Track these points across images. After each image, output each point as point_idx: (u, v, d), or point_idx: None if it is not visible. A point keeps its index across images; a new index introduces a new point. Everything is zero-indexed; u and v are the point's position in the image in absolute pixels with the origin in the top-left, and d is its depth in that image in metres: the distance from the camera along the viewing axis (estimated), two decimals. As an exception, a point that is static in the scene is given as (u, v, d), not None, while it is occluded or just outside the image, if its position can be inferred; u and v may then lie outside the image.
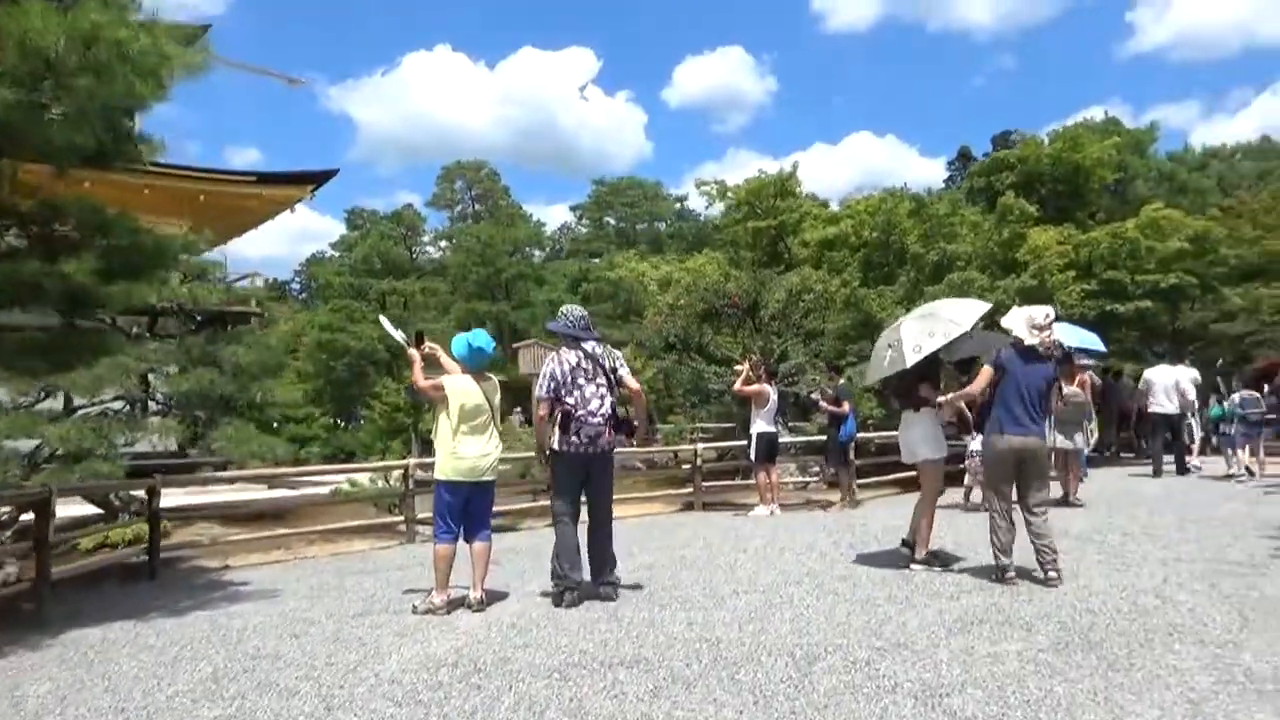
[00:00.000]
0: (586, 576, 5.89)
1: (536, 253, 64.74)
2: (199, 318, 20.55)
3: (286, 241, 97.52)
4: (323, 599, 6.48)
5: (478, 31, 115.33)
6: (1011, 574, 5.86)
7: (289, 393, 26.45)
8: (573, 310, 6.01)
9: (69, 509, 10.70)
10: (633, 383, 6.08)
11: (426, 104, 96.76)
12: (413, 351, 5.88)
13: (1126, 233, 20.52)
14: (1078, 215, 24.23)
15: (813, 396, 13.35)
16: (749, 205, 27.34)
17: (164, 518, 11.94)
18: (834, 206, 29.31)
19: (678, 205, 64.57)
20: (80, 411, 11.66)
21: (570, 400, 5.65)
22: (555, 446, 5.76)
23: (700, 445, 14.44)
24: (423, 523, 9.56)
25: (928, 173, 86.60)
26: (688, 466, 13.48)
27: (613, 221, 65.72)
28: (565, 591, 5.67)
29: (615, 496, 12.99)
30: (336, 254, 62.96)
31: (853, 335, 19.02)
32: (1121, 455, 16.95)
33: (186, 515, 12.73)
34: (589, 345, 5.85)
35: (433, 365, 5.96)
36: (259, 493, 16.79)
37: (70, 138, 5.13)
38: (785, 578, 6.34)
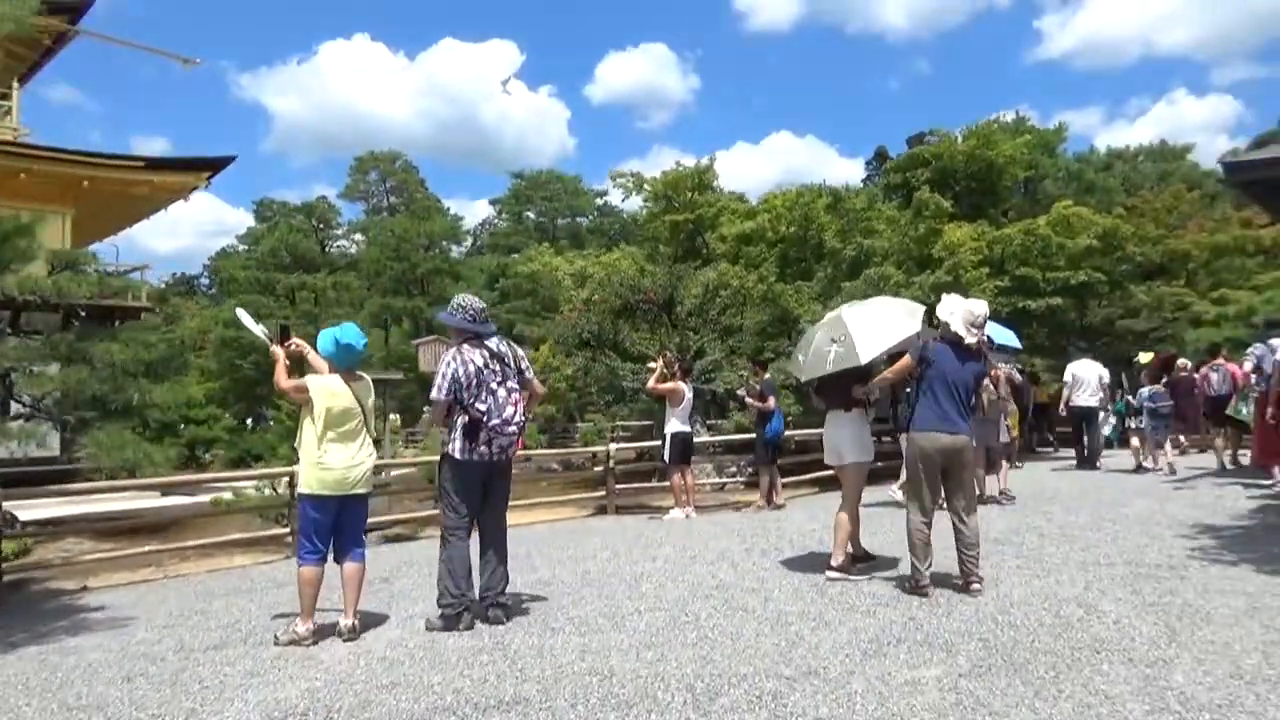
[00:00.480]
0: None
1: (456, 248, 63.39)
2: (82, 313, 19.15)
3: (199, 235, 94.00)
4: (179, 627, 5.77)
5: (397, 21, 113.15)
6: (926, 583, 5.51)
7: (185, 392, 25.09)
8: (471, 301, 5.34)
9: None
10: (539, 385, 5.58)
11: (344, 94, 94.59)
12: (276, 348, 5.22)
13: (1038, 229, 20.79)
14: (991, 212, 24.56)
15: (739, 392, 13.00)
16: (666, 199, 26.98)
17: (21, 534, 10.95)
18: (753, 202, 29.19)
19: (600, 201, 64.02)
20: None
21: (482, 407, 5.06)
22: (456, 455, 5.17)
23: (614, 445, 13.96)
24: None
25: (847, 173, 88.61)
26: (600, 469, 12.97)
27: (532, 216, 64.85)
28: (462, 613, 5.10)
29: (526, 501, 12.48)
30: (244, 247, 60.58)
31: (771, 331, 18.81)
32: (1037, 450, 17.10)
33: (56, 531, 11.74)
34: (493, 342, 5.28)
35: (301, 364, 5.32)
36: (150, 501, 15.69)
37: None
38: (693, 592, 5.89)
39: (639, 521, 10.55)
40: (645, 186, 28.22)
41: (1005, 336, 11.23)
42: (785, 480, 12.13)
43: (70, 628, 6.15)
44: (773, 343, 18.07)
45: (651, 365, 11.28)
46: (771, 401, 11.25)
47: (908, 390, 6.29)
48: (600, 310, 16.62)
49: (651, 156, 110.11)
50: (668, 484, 11.36)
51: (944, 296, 6.06)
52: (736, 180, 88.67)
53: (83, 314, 18.62)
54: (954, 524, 5.68)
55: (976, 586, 5.46)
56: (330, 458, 4.89)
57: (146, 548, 9.08)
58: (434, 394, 5.16)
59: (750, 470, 14.12)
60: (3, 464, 11.02)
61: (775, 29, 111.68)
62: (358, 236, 62.73)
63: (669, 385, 10.60)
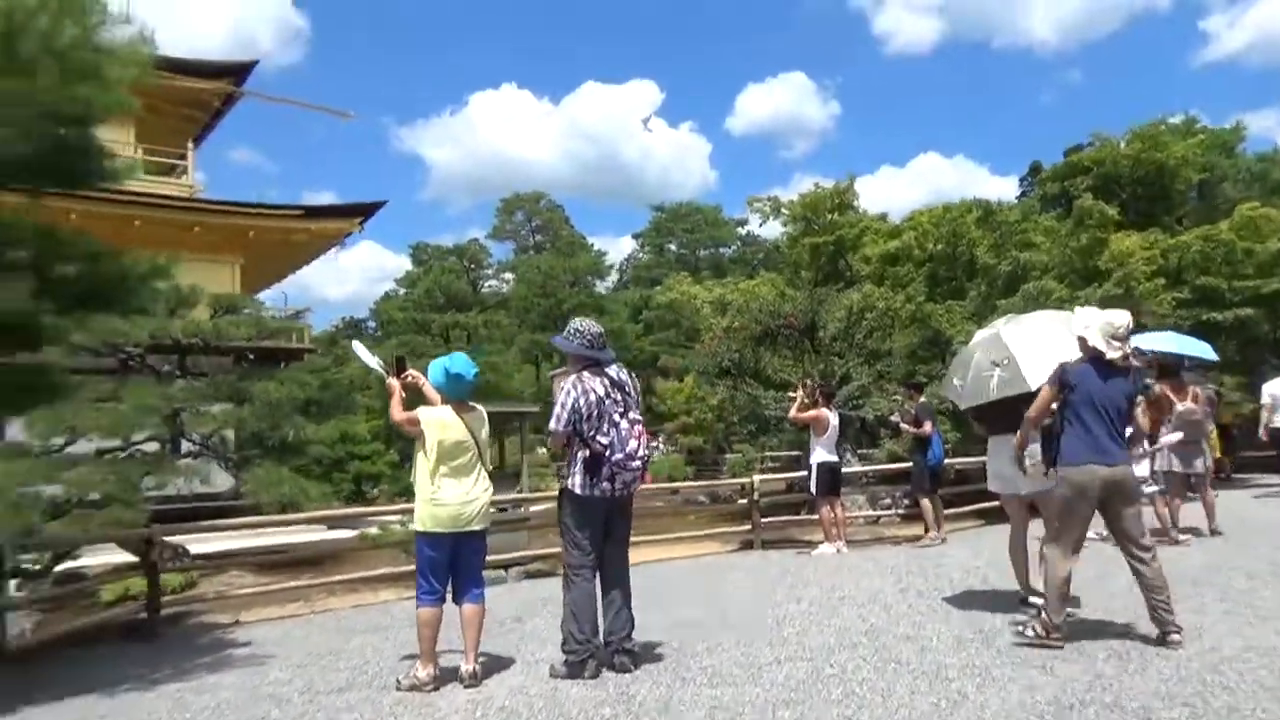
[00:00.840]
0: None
1: (601, 283, 64.36)
2: (250, 355, 20.24)
3: (365, 281, 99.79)
4: (311, 667, 5.71)
5: (542, 69, 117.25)
6: (1059, 636, 4.78)
7: (349, 430, 26.23)
8: (589, 326, 5.06)
9: (108, 557, 10.22)
10: None
11: (494, 141, 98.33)
12: (392, 381, 5.09)
13: (1220, 235, 18.93)
14: (1163, 219, 22.63)
15: (892, 418, 12.30)
16: (805, 221, 26.34)
17: (189, 567, 11.47)
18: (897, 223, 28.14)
19: (743, 231, 63.71)
20: (108, 454, 11.25)
21: (604, 440, 4.74)
22: (576, 490, 4.87)
23: (758, 476, 13.40)
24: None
25: (1000, 191, 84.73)
26: (744, 501, 12.45)
27: (674, 248, 65.19)
28: (587, 660, 4.76)
29: (669, 535, 12.11)
30: (402, 290, 63.58)
31: (923, 354, 17.83)
32: (1232, 477, 15.38)
33: (221, 564, 12.23)
34: (613, 370, 4.97)
35: (418, 397, 5.17)
36: (311, 534, 16.25)
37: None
38: (840, 639, 5.34)
39: (786, 557, 10.00)
40: (783, 210, 27.65)
41: (1199, 349, 10.07)
42: (945, 512, 11.26)
43: (213, 664, 6.21)
44: (925, 366, 17.12)
45: (792, 394, 10.76)
46: (928, 426, 10.54)
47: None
48: (740, 338, 16.22)
49: (794, 185, 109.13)
50: (816, 517, 10.77)
51: (1078, 310, 5.36)
52: (883, 204, 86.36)
53: (250, 356, 19.70)
54: (1131, 564, 4.92)
55: (1175, 638, 4.68)
56: (444, 493, 4.69)
57: (295, 582, 9.28)
58: (553, 424, 4.89)
59: (906, 501, 13.28)
60: (170, 500, 11.62)
61: (916, 50, 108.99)
62: (507, 275, 64.71)
63: (812, 413, 10.07)
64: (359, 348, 5.59)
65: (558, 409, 4.86)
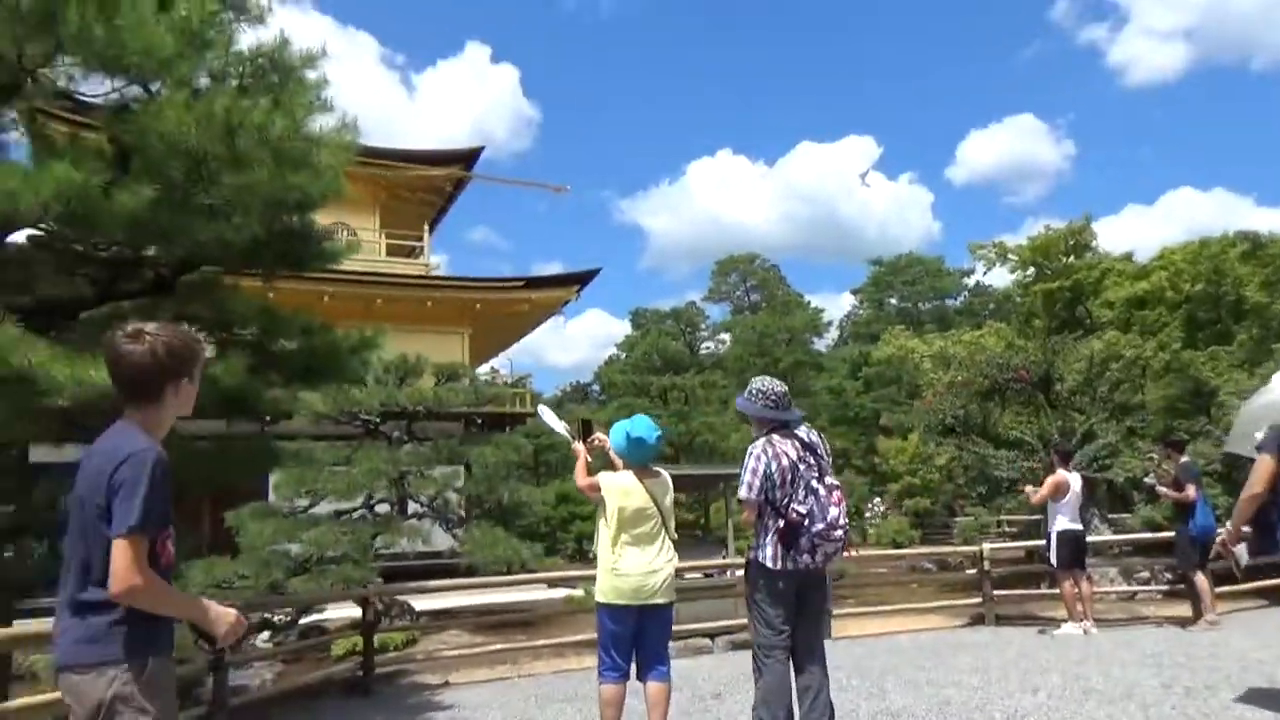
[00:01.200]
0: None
1: (818, 340, 63.31)
2: (479, 420, 21.22)
3: (592, 347, 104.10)
4: (505, 736, 5.62)
5: (757, 133, 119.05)
6: None
7: (565, 490, 26.97)
8: (772, 385, 4.62)
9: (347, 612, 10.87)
10: None
11: (711, 207, 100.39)
12: (578, 446, 4.96)
13: None
14: None
15: (1146, 481, 10.98)
16: (1036, 266, 24.52)
17: (411, 625, 11.96)
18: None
19: (970, 281, 60.76)
20: (344, 515, 12.07)
21: (802, 508, 4.30)
22: (768, 564, 4.45)
23: (989, 544, 12.26)
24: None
25: (1269, 223, 75.76)
26: (974, 571, 11.39)
27: (894, 302, 63.18)
28: None
29: (890, 606, 11.34)
30: (623, 355, 65.51)
31: (1182, 409, 15.86)
32: None
33: (442, 624, 12.71)
34: (803, 432, 4.58)
35: (604, 461, 5.02)
36: (539, 593, 16.64)
37: (219, 234, 4.86)
38: (1084, 744, 4.57)
39: (1023, 636, 8.98)
40: (1009, 256, 25.85)
41: None
42: (1220, 590, 9.68)
43: (416, 728, 6.29)
44: (1185, 421, 15.17)
45: (1021, 491, 9.91)
46: (1191, 491, 9.18)
47: None
48: (965, 393, 15.13)
49: (1024, 230, 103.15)
50: (1058, 591, 9.65)
51: None
52: (1129, 244, 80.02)
53: (479, 421, 20.71)
54: None
55: None
56: (625, 563, 4.46)
57: (501, 645, 9.39)
58: (743, 493, 4.50)
59: (1169, 576, 11.70)
60: (395, 558, 12.25)
61: (1159, 79, 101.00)
62: (723, 336, 65.14)
63: (1048, 483, 9.14)
64: (545, 412, 5.54)
65: (747, 476, 4.47)
